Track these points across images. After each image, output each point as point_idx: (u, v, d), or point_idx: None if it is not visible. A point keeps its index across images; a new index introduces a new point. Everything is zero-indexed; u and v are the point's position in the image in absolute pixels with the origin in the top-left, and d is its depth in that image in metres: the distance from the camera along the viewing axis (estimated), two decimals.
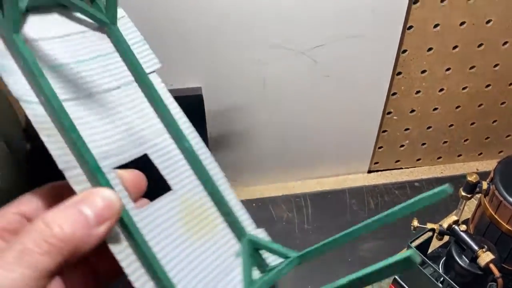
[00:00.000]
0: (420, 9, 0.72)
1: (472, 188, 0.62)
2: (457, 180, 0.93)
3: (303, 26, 0.70)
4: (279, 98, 0.78)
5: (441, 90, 0.83)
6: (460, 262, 0.57)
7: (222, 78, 0.74)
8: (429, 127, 0.89)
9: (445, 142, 0.92)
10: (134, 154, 0.28)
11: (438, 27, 0.75)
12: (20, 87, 0.25)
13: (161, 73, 0.80)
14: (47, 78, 0.25)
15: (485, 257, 0.54)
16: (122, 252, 0.24)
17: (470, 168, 0.97)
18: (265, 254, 0.29)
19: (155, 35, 0.67)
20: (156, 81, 0.31)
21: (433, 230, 0.63)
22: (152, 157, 0.29)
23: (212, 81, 0.74)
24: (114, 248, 0.24)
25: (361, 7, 0.70)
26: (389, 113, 0.85)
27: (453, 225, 0.58)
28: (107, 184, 0.25)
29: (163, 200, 0.28)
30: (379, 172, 0.95)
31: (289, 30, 0.70)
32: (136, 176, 0.28)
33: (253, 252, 0.28)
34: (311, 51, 0.73)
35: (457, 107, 0.87)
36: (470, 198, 0.63)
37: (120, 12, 0.31)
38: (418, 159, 0.95)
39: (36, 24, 0.27)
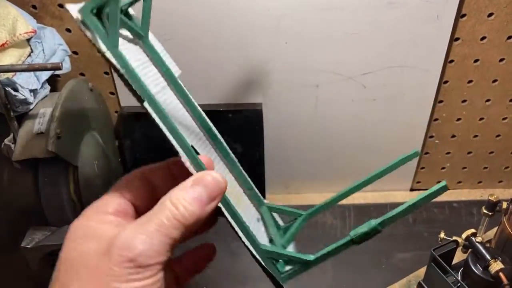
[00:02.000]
0: (461, 45, 0.80)
1: (492, 207, 0.69)
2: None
3: (353, 55, 0.81)
4: (329, 117, 0.89)
5: (481, 119, 0.90)
6: (475, 270, 0.65)
7: (280, 96, 0.86)
8: (469, 152, 0.96)
9: (486, 167, 0.99)
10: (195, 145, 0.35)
11: (478, 62, 0.82)
12: None
13: (229, 89, 0.95)
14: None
15: (496, 266, 0.62)
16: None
17: (510, 194, 1.02)
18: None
19: (227, 55, 0.80)
20: (182, 84, 0.37)
21: (456, 242, 0.71)
22: (196, 147, 0.36)
23: (271, 99, 0.86)
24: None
25: (406, 40, 0.79)
26: (431, 136, 0.93)
27: (471, 237, 0.66)
28: (204, 167, 0.31)
29: None
30: (421, 191, 1.02)
31: (340, 58, 0.81)
32: (209, 160, 0.35)
33: (272, 216, 0.39)
34: (360, 77, 0.84)
35: (497, 136, 0.93)
36: (491, 216, 0.70)
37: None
38: (459, 182, 1.01)
39: None
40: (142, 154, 0.91)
